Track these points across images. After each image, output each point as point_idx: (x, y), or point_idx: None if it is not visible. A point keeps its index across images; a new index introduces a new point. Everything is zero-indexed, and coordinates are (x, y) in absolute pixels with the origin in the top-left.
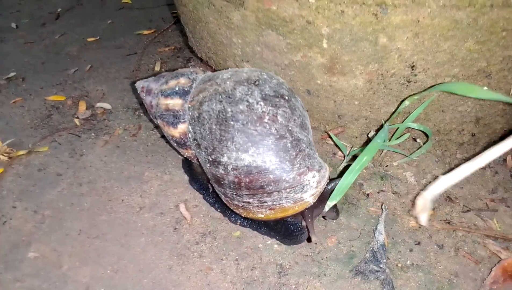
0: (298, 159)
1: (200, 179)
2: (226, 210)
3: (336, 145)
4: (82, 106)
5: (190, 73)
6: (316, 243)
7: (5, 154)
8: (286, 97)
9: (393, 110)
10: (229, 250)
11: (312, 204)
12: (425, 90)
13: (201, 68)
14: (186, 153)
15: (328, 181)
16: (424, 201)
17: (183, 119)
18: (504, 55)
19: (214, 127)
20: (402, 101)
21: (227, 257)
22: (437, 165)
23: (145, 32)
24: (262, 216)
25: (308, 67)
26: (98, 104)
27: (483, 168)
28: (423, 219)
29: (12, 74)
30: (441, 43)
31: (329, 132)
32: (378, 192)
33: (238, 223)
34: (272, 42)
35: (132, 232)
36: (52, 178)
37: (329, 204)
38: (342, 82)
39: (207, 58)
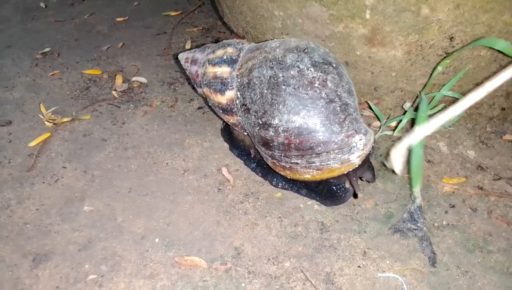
0: (347, 122)
1: (241, 146)
2: (267, 174)
3: (375, 115)
4: (119, 79)
5: (237, 43)
6: (354, 205)
7: (50, 120)
8: (334, 65)
9: (430, 81)
10: (272, 209)
11: (357, 165)
12: (461, 48)
13: (245, 40)
14: (231, 120)
15: (373, 144)
16: (399, 152)
17: (231, 86)
18: None
19: (265, 91)
20: (435, 68)
21: (271, 215)
22: (468, 137)
23: (172, 13)
24: (309, 176)
25: (348, 38)
26: (134, 78)
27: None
28: (397, 168)
29: (47, 49)
30: (480, 15)
31: (368, 101)
32: None
33: (280, 186)
34: (315, 13)
35: (179, 191)
36: (97, 143)
37: (415, 190)
38: (381, 53)
39: (244, 32)
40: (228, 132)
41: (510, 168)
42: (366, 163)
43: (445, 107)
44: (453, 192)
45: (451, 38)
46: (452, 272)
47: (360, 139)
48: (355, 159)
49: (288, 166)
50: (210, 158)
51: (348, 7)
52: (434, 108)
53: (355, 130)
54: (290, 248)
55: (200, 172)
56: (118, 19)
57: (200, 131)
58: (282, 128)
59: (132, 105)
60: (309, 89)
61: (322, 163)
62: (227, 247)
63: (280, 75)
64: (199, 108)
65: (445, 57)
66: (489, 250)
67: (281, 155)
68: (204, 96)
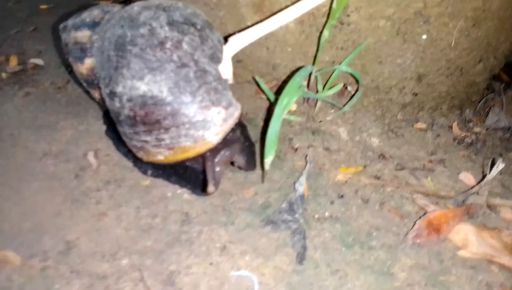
0: (201, 92)
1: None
2: (138, 160)
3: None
4: (13, 61)
5: (106, 6)
6: (231, 194)
7: None
8: (199, 26)
9: (327, 59)
10: (132, 198)
11: (216, 145)
12: None
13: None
14: (96, 94)
15: (237, 120)
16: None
17: (89, 52)
18: None
19: (112, 53)
20: (321, 33)
21: (128, 205)
22: (374, 124)
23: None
24: (162, 158)
25: (237, 6)
26: (31, 60)
27: (425, 131)
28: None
29: None
30: None
31: (255, 77)
32: (308, 147)
33: (149, 174)
34: None
35: (27, 176)
36: None
37: (267, 161)
38: None
39: None
40: (107, 113)
41: (418, 158)
42: (235, 144)
43: (345, 87)
44: (346, 182)
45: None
46: (321, 270)
47: (218, 113)
48: (212, 136)
49: (139, 145)
50: (81, 142)
51: None
52: (332, 88)
53: (212, 102)
54: (136, 243)
55: (63, 156)
56: (42, 6)
57: (81, 113)
58: (126, 97)
59: (17, 86)
60: (158, 50)
61: (173, 141)
62: (56, 242)
63: (129, 34)
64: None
65: (333, 20)
66: (371, 246)
67: (131, 132)
68: (72, 70)
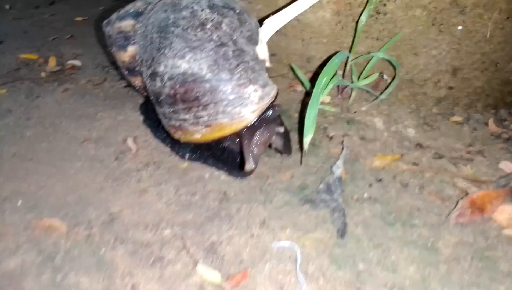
0: (239, 70)
1: (154, 117)
2: (175, 145)
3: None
4: (52, 62)
5: None
6: (268, 176)
7: None
8: (237, 10)
9: (363, 49)
10: (172, 178)
11: (252, 123)
12: None
13: None
14: (137, 82)
15: (273, 99)
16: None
17: (133, 40)
18: None
19: (155, 35)
20: (358, 19)
21: (168, 183)
22: (409, 116)
23: None
24: (200, 136)
25: None
26: (69, 62)
27: (461, 124)
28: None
29: None
30: None
31: (292, 65)
32: (343, 136)
33: (187, 157)
34: None
35: (70, 158)
36: (1, 113)
37: (306, 140)
38: (309, 14)
39: None
40: (145, 105)
41: (455, 149)
42: (272, 124)
43: (381, 76)
44: (384, 167)
45: None
46: (363, 244)
47: (255, 91)
48: (249, 114)
49: (178, 125)
50: (120, 130)
51: None
52: (368, 77)
53: (250, 80)
54: (178, 216)
55: (103, 141)
56: (77, 19)
57: (118, 106)
58: (167, 76)
59: (56, 83)
60: (199, 30)
61: (211, 118)
62: (100, 213)
63: (172, 16)
64: (126, 86)
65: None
66: (413, 224)
67: (170, 112)
68: (115, 61)
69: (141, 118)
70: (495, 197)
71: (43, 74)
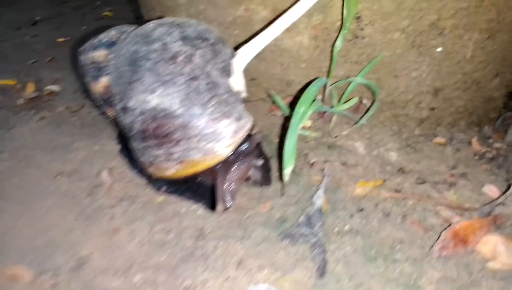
0: (212, 104)
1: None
2: (152, 177)
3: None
4: (30, 88)
5: (123, 27)
6: (247, 209)
7: None
8: (211, 41)
9: (342, 73)
10: (146, 214)
11: (227, 158)
12: None
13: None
14: (111, 113)
15: (248, 133)
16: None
17: (106, 71)
18: (456, 7)
19: (125, 69)
20: (333, 44)
21: (142, 220)
22: (392, 139)
23: None
24: (173, 172)
25: (251, 23)
26: (48, 87)
27: (444, 145)
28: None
29: None
30: None
31: (270, 91)
32: (324, 162)
33: (163, 191)
34: None
35: (41, 195)
36: None
37: (286, 172)
38: (287, 39)
39: None
40: (122, 133)
41: (439, 172)
42: (249, 158)
43: (360, 101)
44: (365, 195)
45: (358, 18)
46: (343, 284)
47: (229, 125)
48: (223, 149)
49: (150, 160)
50: (95, 161)
51: None
52: (348, 102)
53: (223, 114)
54: (150, 258)
55: (77, 175)
56: (58, 40)
57: (96, 134)
58: (138, 110)
59: (33, 111)
60: (170, 63)
61: (183, 154)
62: (69, 258)
63: (143, 49)
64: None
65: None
66: (395, 259)
67: (142, 147)
68: (88, 91)
69: (118, 147)
70: (478, 228)
71: (20, 101)
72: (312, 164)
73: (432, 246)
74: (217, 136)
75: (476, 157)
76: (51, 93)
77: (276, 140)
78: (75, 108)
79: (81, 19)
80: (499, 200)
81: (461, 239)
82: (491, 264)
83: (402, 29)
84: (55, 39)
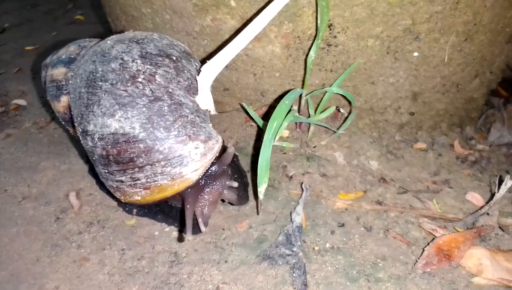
0: (177, 126)
1: None
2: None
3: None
4: None
5: (83, 42)
6: (224, 229)
7: None
8: (174, 58)
9: (317, 82)
10: (116, 240)
11: (195, 182)
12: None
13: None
14: (75, 133)
15: (217, 154)
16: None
17: (65, 89)
18: (430, 11)
19: (83, 90)
20: (307, 54)
21: (112, 247)
22: (372, 146)
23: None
24: (139, 198)
25: (220, 33)
26: (14, 101)
27: (425, 151)
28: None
29: None
30: None
31: (242, 103)
32: (303, 174)
33: (134, 213)
34: (179, 4)
35: (5, 222)
36: None
37: (260, 190)
38: (258, 49)
39: None
40: None
41: (421, 180)
42: (221, 179)
43: (338, 110)
44: (346, 209)
45: (330, 26)
46: None
47: (196, 148)
48: (190, 173)
49: (115, 186)
50: (63, 182)
51: None
52: (324, 111)
53: (189, 136)
54: (121, 289)
55: (43, 199)
56: (27, 48)
57: (63, 153)
58: (97, 135)
59: None
60: (129, 84)
61: (149, 180)
62: None
63: (100, 69)
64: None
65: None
66: (377, 278)
67: (106, 172)
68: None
69: (87, 166)
70: (462, 241)
71: None
72: (291, 177)
73: (416, 262)
74: (183, 160)
75: (459, 161)
76: (18, 107)
77: (253, 152)
78: (42, 124)
79: (52, 24)
80: (483, 210)
81: (445, 254)
82: (477, 280)
83: (376, 36)
84: (24, 47)
